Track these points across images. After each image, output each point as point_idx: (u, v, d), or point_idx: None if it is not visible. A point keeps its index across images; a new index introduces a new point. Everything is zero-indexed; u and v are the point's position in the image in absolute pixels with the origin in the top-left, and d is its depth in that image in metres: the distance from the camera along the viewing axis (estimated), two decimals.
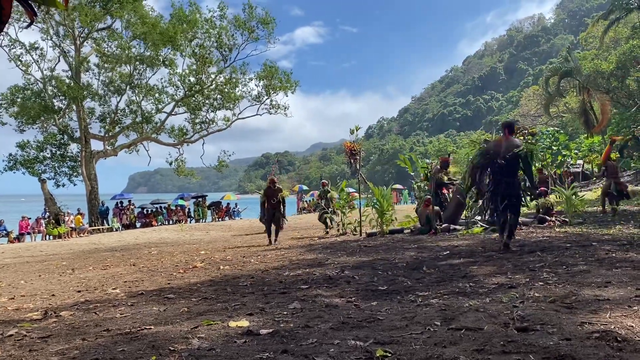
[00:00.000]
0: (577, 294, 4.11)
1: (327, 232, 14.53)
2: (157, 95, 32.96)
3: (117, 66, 30.89)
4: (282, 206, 12.77)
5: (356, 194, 17.93)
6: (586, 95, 30.42)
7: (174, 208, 32.24)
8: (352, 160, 13.29)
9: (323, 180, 16.54)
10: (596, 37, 42.92)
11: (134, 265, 9.74)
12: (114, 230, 27.58)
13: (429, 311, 3.93)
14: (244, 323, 3.87)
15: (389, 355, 2.83)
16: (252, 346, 3.22)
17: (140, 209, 31.62)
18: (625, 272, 4.87)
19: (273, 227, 12.76)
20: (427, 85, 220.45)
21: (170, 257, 10.89)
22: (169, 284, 6.63)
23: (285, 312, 4.24)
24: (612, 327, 3.06)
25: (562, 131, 39.64)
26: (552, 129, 38.84)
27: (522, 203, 7.91)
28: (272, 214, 12.69)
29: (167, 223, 30.69)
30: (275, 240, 12.68)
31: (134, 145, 33.61)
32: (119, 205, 30.24)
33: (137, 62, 30.90)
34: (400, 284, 5.38)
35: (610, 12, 36.27)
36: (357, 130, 13.12)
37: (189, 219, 32.14)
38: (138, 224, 29.70)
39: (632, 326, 3.06)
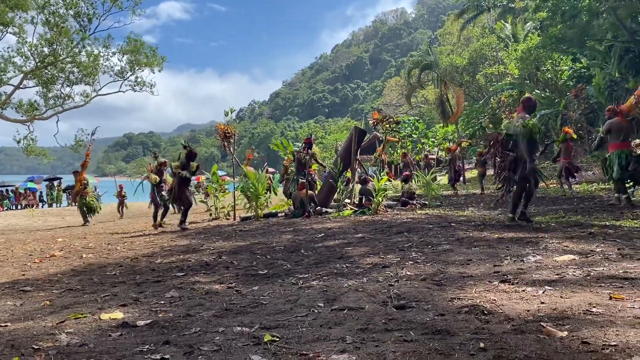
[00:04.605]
0: (444, 272, 4.44)
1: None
2: (1, 65, 29.28)
3: None
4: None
5: (228, 178, 17.67)
6: (443, 88, 33.00)
7: (22, 191, 29.27)
8: (225, 144, 13.01)
9: None
10: (452, 34, 46.71)
11: None
12: None
13: (311, 293, 3.99)
14: (118, 315, 3.60)
15: (277, 339, 2.81)
16: (129, 339, 3.01)
17: None
18: (483, 251, 5.37)
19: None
20: (298, 71, 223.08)
21: (22, 245, 9.83)
22: (23, 275, 5.97)
23: (162, 302, 4.02)
24: (478, 301, 3.35)
25: (420, 120, 42.75)
26: (412, 118, 41.72)
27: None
28: (178, 190, 11.05)
29: (14, 208, 27.86)
30: (184, 222, 11.15)
31: None
32: None
33: None
34: (280, 267, 5.40)
35: (463, 11, 39.70)
36: (231, 113, 12.89)
37: (40, 204, 29.39)
38: None
39: (495, 300, 3.37)
